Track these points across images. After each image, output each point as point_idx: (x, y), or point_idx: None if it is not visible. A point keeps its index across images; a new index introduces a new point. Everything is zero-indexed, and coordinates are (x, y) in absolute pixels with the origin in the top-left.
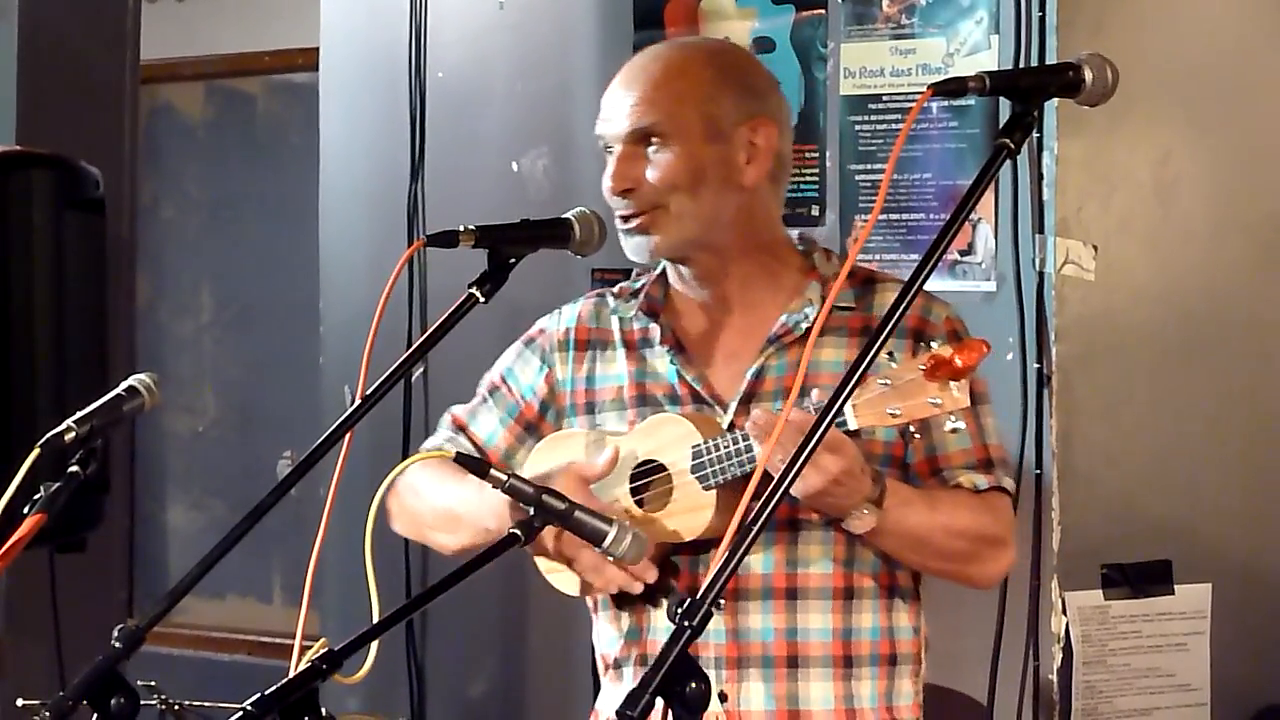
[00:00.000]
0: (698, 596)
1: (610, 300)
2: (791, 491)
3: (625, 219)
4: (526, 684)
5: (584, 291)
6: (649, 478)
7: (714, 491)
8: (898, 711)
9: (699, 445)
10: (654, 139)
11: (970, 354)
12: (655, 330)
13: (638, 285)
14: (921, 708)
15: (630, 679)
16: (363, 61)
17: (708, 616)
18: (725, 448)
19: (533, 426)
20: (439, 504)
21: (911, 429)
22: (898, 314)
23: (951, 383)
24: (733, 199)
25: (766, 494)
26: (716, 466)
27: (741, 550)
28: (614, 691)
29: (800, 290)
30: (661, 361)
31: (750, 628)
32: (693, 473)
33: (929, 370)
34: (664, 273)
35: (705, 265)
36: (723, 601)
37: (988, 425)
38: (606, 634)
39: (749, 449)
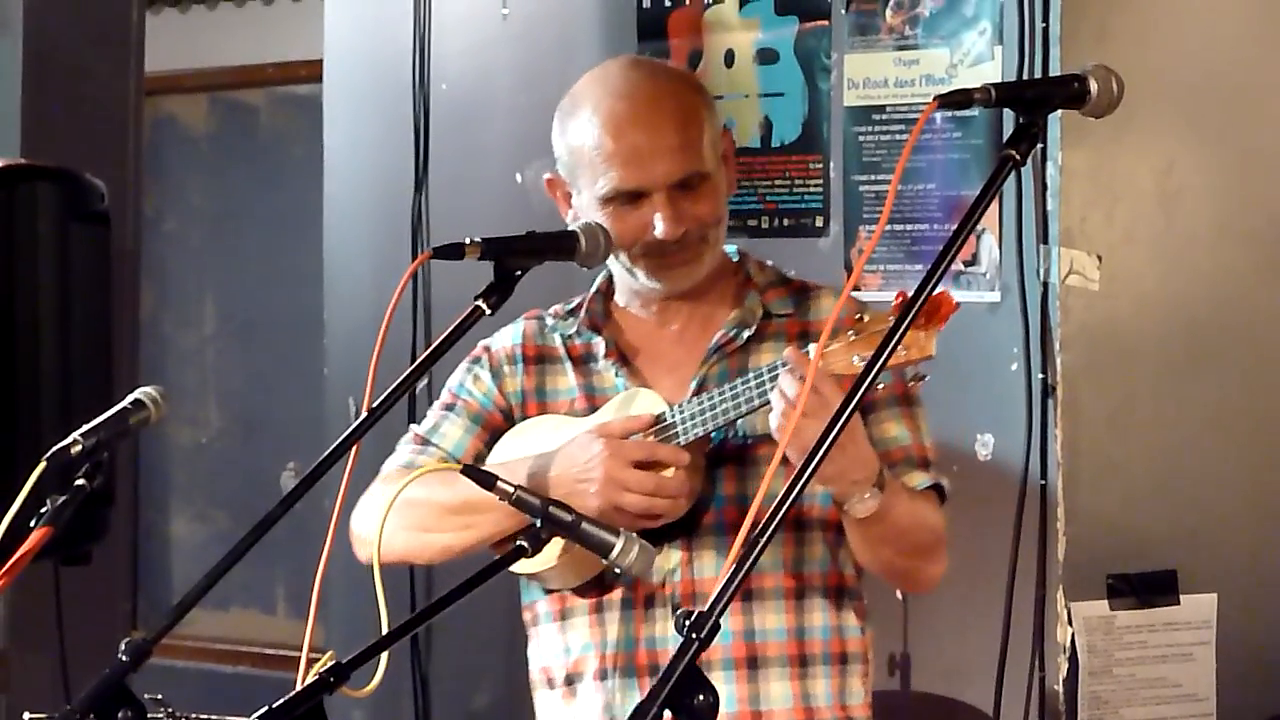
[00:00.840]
0: (706, 608)
1: (549, 320)
2: (793, 454)
3: (673, 255)
4: (530, 697)
5: None
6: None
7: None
8: (851, 710)
9: (664, 411)
10: (699, 178)
11: (945, 306)
12: (599, 344)
13: (573, 305)
14: (872, 708)
15: (592, 693)
16: (366, 73)
17: (715, 628)
18: (693, 409)
19: (499, 432)
20: (447, 500)
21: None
22: (910, 314)
23: (919, 332)
24: (727, 214)
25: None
26: (683, 426)
27: (752, 559)
28: (565, 709)
29: (740, 300)
30: (608, 375)
31: None
32: (656, 436)
33: (896, 309)
34: (602, 289)
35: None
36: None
37: (924, 425)
38: (553, 647)
39: (714, 406)
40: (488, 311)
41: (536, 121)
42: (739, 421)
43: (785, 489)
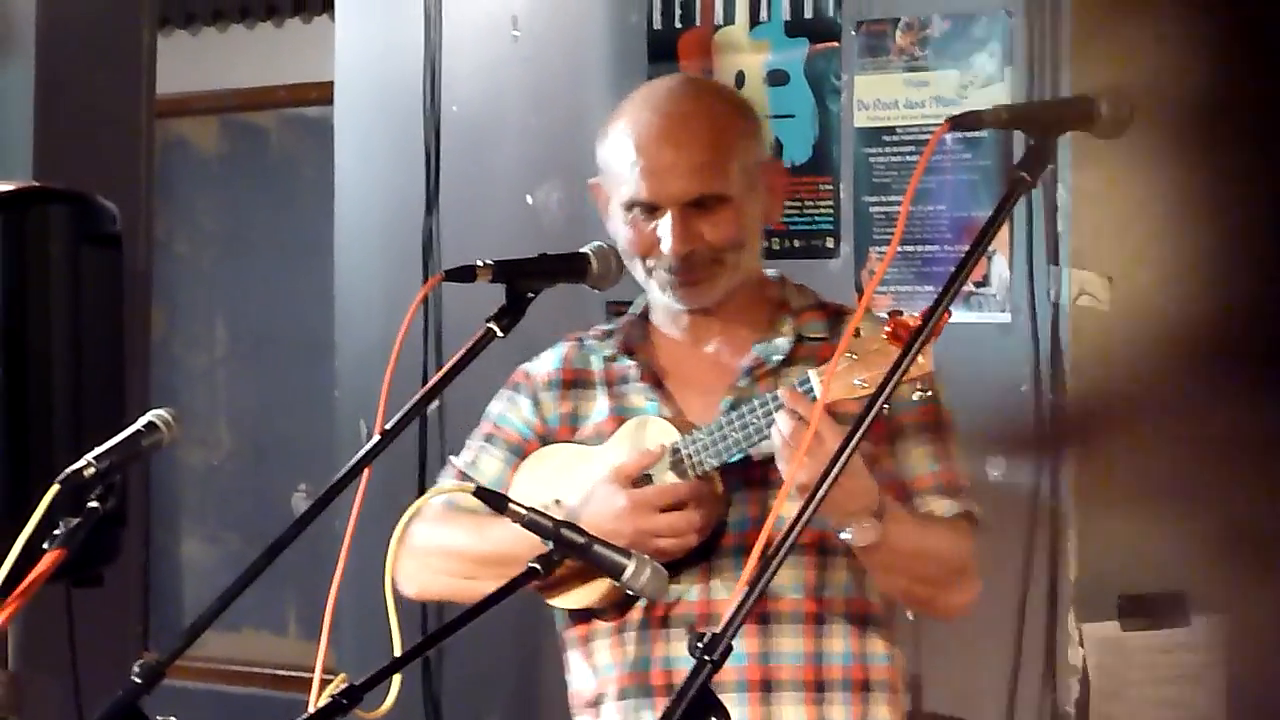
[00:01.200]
0: (719, 630)
1: (588, 342)
2: (793, 481)
3: (683, 277)
4: (542, 717)
5: (601, 323)
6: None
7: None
8: None
9: (676, 441)
10: (719, 200)
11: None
12: (633, 368)
13: (613, 326)
14: None
15: (614, 713)
16: (377, 95)
17: (728, 650)
18: (702, 440)
19: None
20: (482, 548)
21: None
22: (919, 343)
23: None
24: (760, 242)
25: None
26: (695, 460)
27: (764, 580)
28: None
29: (773, 323)
30: (640, 397)
31: None
32: (671, 469)
33: (891, 335)
34: (642, 312)
35: (716, 305)
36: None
37: (955, 453)
38: (582, 670)
39: (725, 437)
40: (499, 334)
41: (547, 143)
42: (761, 443)
43: (789, 524)
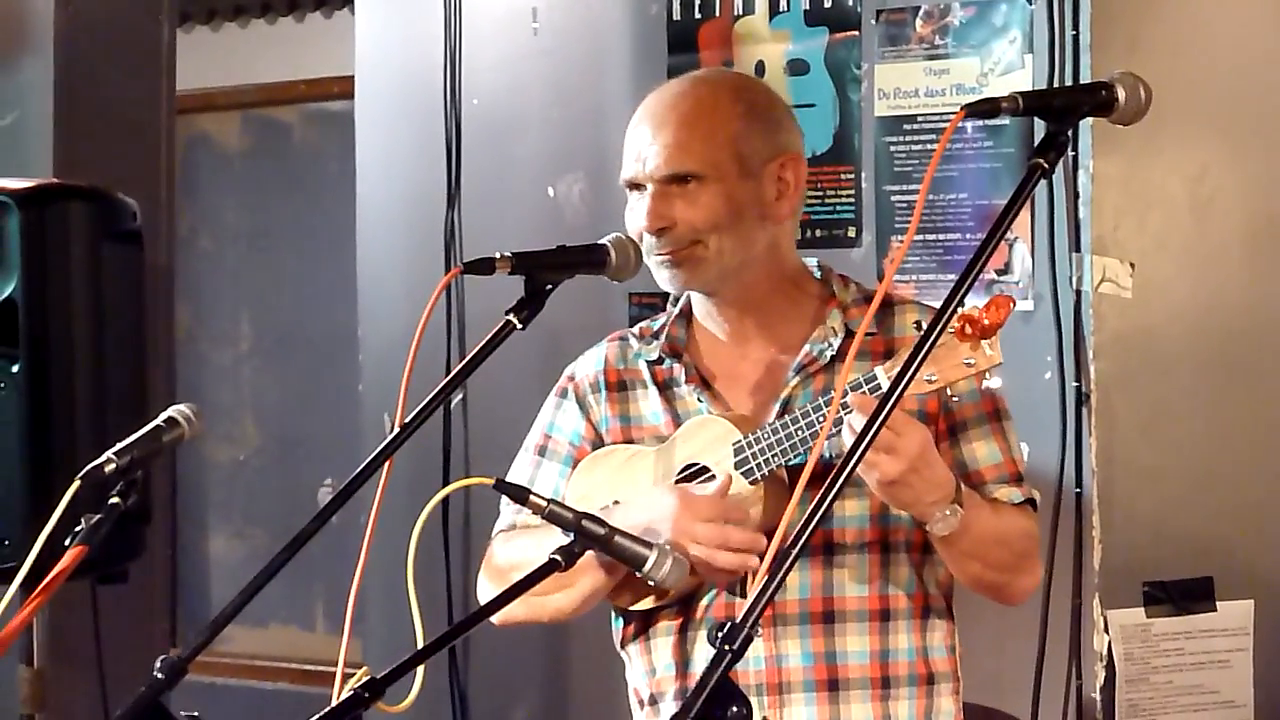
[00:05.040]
0: (738, 620)
1: (634, 342)
2: (871, 483)
3: (660, 254)
4: (569, 712)
5: (622, 315)
6: (693, 482)
7: (761, 485)
8: None
9: (739, 441)
10: (690, 179)
11: (999, 310)
12: (679, 369)
13: (658, 325)
14: None
15: (673, 711)
16: (398, 89)
17: (748, 640)
18: (767, 439)
19: None
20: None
21: (950, 393)
22: (939, 329)
23: (983, 341)
24: (763, 234)
25: (827, 484)
26: (760, 460)
27: (782, 573)
28: None
29: (822, 318)
30: (691, 399)
31: (790, 653)
32: (736, 469)
33: (959, 331)
34: (685, 309)
35: (734, 298)
36: (761, 628)
37: (1013, 441)
38: (641, 668)
39: (790, 436)
40: (519, 326)
41: (568, 135)
42: (828, 444)
43: (807, 515)
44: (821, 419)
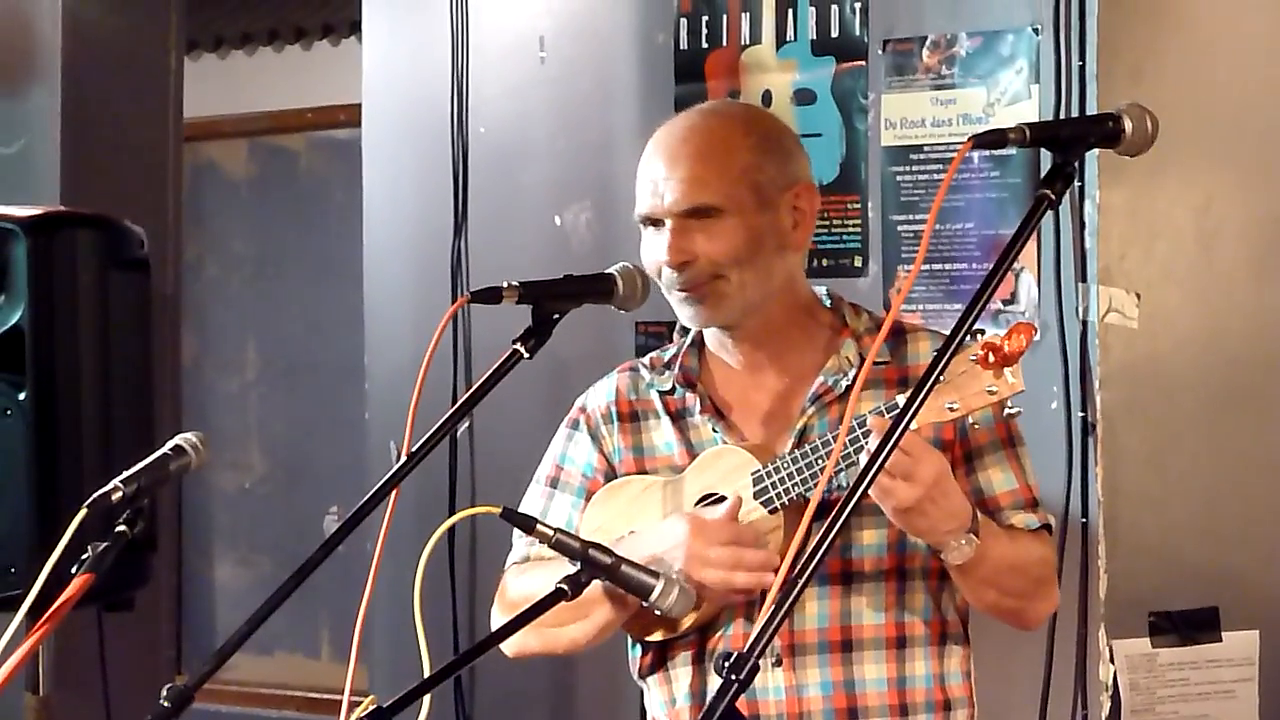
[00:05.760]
0: (744, 650)
1: (645, 373)
2: (887, 509)
3: (682, 290)
4: None
5: (629, 344)
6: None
7: (780, 514)
8: None
9: (759, 471)
10: (709, 212)
11: (1020, 337)
12: (693, 400)
13: (669, 355)
14: None
15: None
16: (405, 117)
17: (754, 670)
18: (786, 468)
19: None
20: None
21: (971, 421)
22: (947, 357)
23: (1005, 369)
24: (782, 264)
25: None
26: (780, 489)
27: (789, 602)
28: None
29: (835, 348)
30: (705, 429)
31: (810, 682)
32: (756, 498)
33: (981, 359)
34: (697, 339)
35: (752, 330)
36: (781, 659)
37: (1028, 466)
38: (660, 698)
39: (810, 465)
40: (526, 355)
41: (575, 164)
42: (840, 474)
43: (816, 542)
44: (843, 448)
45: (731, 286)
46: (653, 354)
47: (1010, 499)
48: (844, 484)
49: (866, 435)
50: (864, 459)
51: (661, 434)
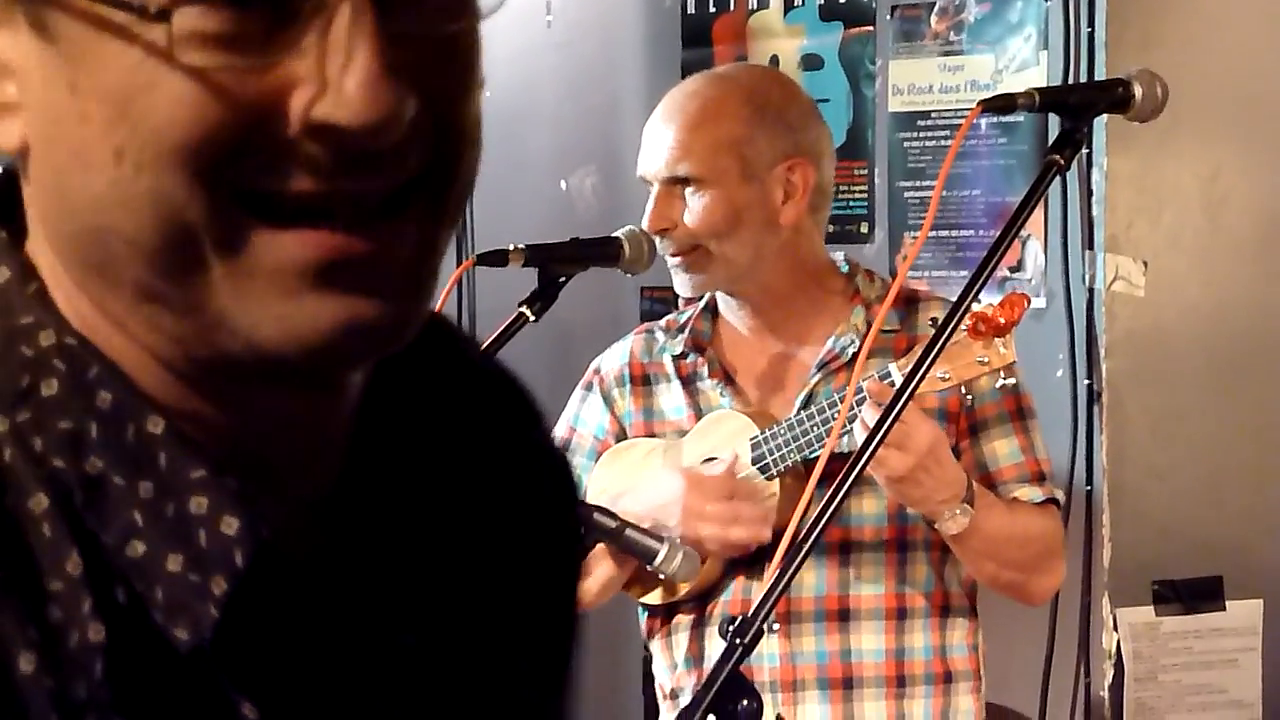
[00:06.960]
0: (749, 614)
1: (659, 335)
2: (879, 478)
3: (670, 255)
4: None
5: (634, 308)
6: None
7: (776, 480)
8: None
9: (757, 436)
10: (691, 182)
11: (1012, 309)
12: (703, 364)
13: (683, 318)
14: None
15: None
16: None
17: (759, 634)
18: (784, 434)
19: None
20: None
21: (964, 392)
22: (950, 329)
23: (996, 340)
24: (772, 238)
25: (840, 478)
26: (777, 455)
27: (794, 568)
28: None
29: (845, 315)
30: (713, 394)
31: (805, 650)
32: (753, 464)
33: (972, 329)
34: (710, 304)
35: (752, 298)
36: (777, 625)
37: (1037, 440)
38: (663, 662)
39: (807, 431)
40: (532, 318)
41: (581, 128)
42: (843, 439)
43: (820, 509)
44: (837, 414)
45: (711, 257)
46: (668, 317)
47: (1015, 472)
48: (844, 451)
49: (862, 404)
50: (858, 427)
51: (671, 398)
